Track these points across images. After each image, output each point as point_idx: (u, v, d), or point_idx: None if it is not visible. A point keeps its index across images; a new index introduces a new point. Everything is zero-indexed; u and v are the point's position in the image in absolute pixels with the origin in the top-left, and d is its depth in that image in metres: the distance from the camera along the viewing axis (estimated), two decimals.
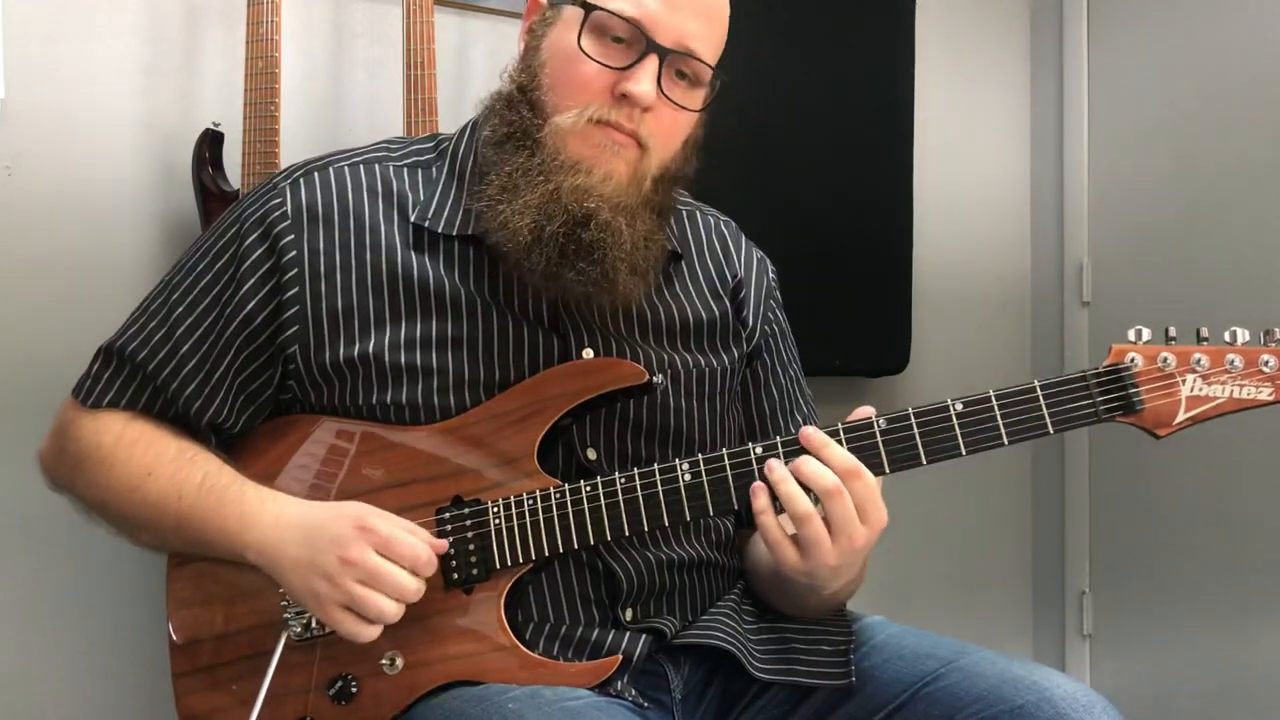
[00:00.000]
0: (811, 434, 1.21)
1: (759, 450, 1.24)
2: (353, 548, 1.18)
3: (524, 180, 1.26)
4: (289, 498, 1.27)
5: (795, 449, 1.23)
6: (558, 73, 1.28)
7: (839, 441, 1.22)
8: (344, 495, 1.29)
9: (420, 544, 1.20)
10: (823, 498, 1.19)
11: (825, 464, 1.19)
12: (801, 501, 1.19)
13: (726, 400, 1.43)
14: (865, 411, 1.25)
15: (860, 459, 1.21)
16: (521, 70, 1.33)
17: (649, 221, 1.30)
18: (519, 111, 1.30)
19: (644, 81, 1.25)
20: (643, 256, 1.29)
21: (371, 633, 1.20)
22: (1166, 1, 2.76)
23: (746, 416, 1.48)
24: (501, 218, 1.26)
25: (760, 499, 1.20)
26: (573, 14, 1.29)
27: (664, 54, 1.26)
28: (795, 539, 1.20)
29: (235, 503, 1.26)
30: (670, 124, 1.30)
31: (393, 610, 1.19)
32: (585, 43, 1.26)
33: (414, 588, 1.19)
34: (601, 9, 1.26)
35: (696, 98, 1.31)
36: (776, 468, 1.20)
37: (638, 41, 1.26)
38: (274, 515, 1.24)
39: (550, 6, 1.32)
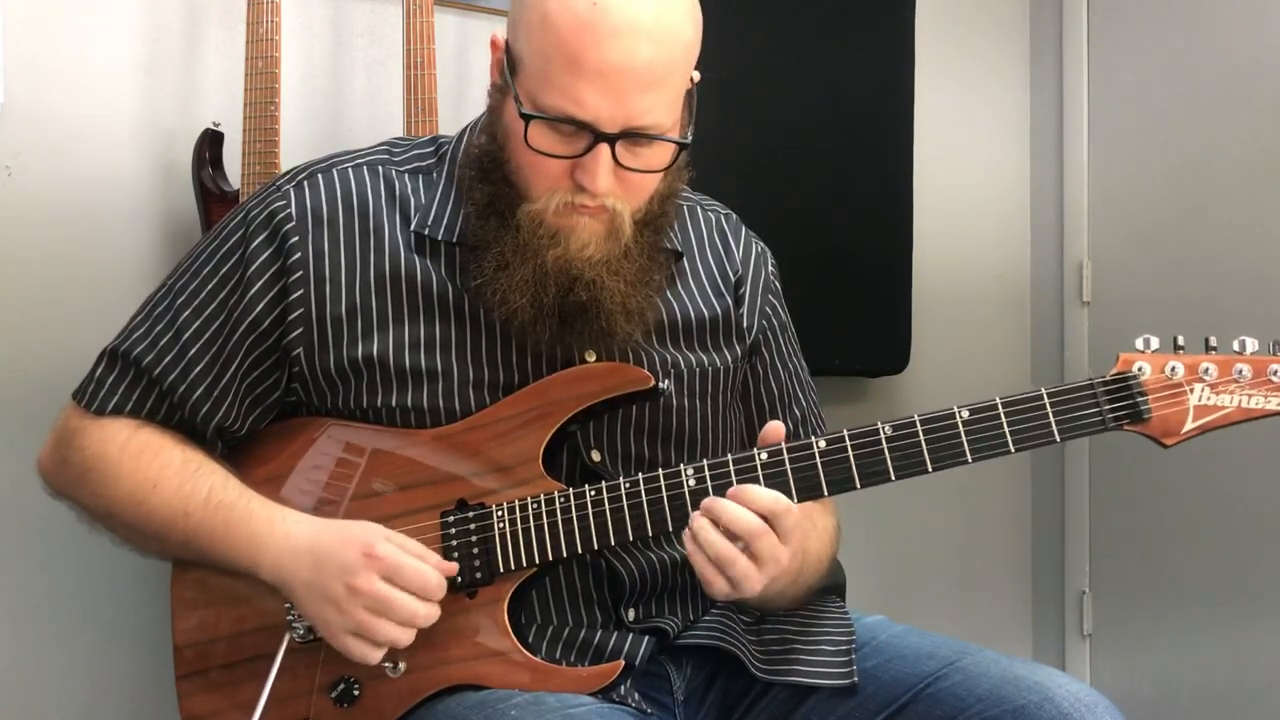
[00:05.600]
0: (736, 490, 1.19)
1: (764, 456, 1.23)
2: (360, 576, 1.18)
3: (514, 258, 1.26)
4: (297, 516, 1.26)
5: (803, 454, 1.23)
6: (517, 157, 1.26)
7: (844, 450, 1.22)
8: (349, 499, 1.29)
9: (429, 570, 1.20)
10: (748, 539, 1.18)
11: (751, 509, 1.18)
12: (723, 547, 1.18)
13: (729, 398, 1.43)
14: (777, 432, 1.24)
15: (866, 466, 1.22)
16: (490, 132, 1.30)
17: (639, 258, 1.29)
18: (495, 183, 1.28)
19: (599, 177, 1.22)
20: (635, 299, 1.28)
21: (378, 655, 1.20)
22: (1166, 1, 2.75)
23: (746, 412, 1.47)
24: (501, 293, 1.26)
25: (690, 542, 1.20)
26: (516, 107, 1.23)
27: (614, 139, 1.21)
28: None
29: (243, 523, 1.25)
30: (637, 185, 1.27)
31: (403, 636, 1.19)
32: (532, 140, 1.22)
33: (424, 613, 1.19)
34: (540, 117, 1.21)
35: (660, 153, 1.26)
36: (695, 518, 1.19)
37: (585, 128, 1.21)
38: (284, 536, 1.24)
39: (502, 75, 1.27)
